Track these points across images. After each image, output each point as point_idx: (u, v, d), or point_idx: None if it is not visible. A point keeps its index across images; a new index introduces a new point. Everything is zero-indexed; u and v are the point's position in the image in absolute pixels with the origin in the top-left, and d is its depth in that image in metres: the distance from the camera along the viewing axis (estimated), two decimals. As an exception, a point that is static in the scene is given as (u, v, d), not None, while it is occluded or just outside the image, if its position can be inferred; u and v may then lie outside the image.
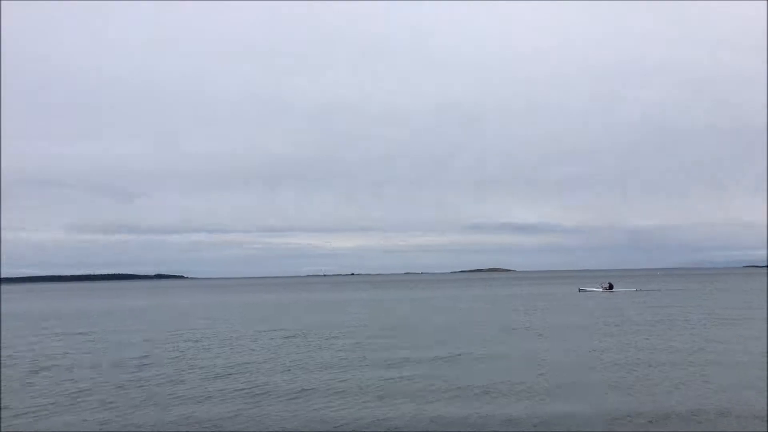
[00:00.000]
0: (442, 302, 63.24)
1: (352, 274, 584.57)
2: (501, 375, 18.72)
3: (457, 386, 17.23)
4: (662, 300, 56.26)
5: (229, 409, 15.29)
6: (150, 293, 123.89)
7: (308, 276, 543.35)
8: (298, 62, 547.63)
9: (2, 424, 14.18)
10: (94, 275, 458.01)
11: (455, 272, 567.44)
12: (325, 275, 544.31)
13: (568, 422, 13.39)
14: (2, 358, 25.16)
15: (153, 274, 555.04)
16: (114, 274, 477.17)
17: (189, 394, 17.09)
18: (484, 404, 15.10)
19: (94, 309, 64.54)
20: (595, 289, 74.73)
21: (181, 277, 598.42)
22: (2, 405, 16.18)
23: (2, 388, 18.54)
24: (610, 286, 73.23)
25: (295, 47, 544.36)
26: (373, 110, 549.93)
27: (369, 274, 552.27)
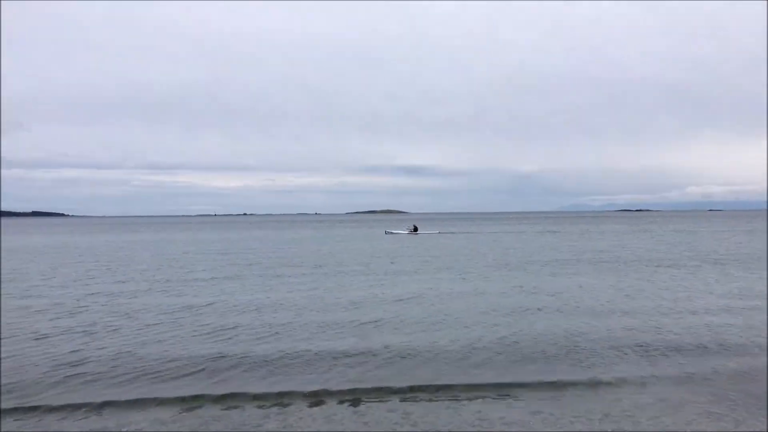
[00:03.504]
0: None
1: (245, 214, 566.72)
2: None
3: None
4: (450, 241, 50.96)
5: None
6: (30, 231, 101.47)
7: (199, 216, 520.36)
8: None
9: None
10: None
11: (349, 213, 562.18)
12: (215, 215, 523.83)
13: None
14: None
15: (29, 211, 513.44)
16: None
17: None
18: None
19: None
20: (401, 232, 69.85)
21: (61, 214, 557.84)
22: None
23: None
24: (415, 229, 68.32)
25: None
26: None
27: (260, 214, 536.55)
